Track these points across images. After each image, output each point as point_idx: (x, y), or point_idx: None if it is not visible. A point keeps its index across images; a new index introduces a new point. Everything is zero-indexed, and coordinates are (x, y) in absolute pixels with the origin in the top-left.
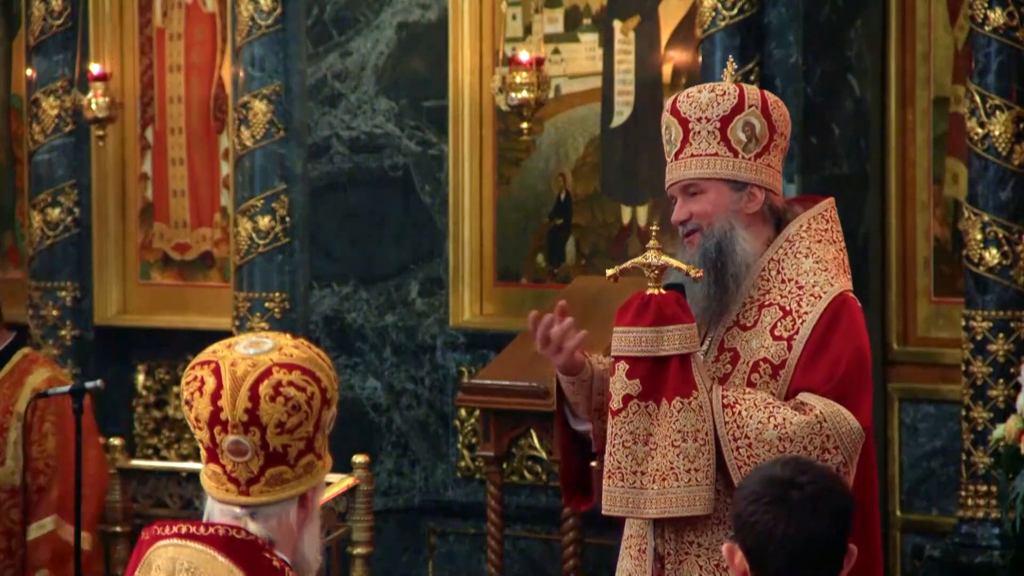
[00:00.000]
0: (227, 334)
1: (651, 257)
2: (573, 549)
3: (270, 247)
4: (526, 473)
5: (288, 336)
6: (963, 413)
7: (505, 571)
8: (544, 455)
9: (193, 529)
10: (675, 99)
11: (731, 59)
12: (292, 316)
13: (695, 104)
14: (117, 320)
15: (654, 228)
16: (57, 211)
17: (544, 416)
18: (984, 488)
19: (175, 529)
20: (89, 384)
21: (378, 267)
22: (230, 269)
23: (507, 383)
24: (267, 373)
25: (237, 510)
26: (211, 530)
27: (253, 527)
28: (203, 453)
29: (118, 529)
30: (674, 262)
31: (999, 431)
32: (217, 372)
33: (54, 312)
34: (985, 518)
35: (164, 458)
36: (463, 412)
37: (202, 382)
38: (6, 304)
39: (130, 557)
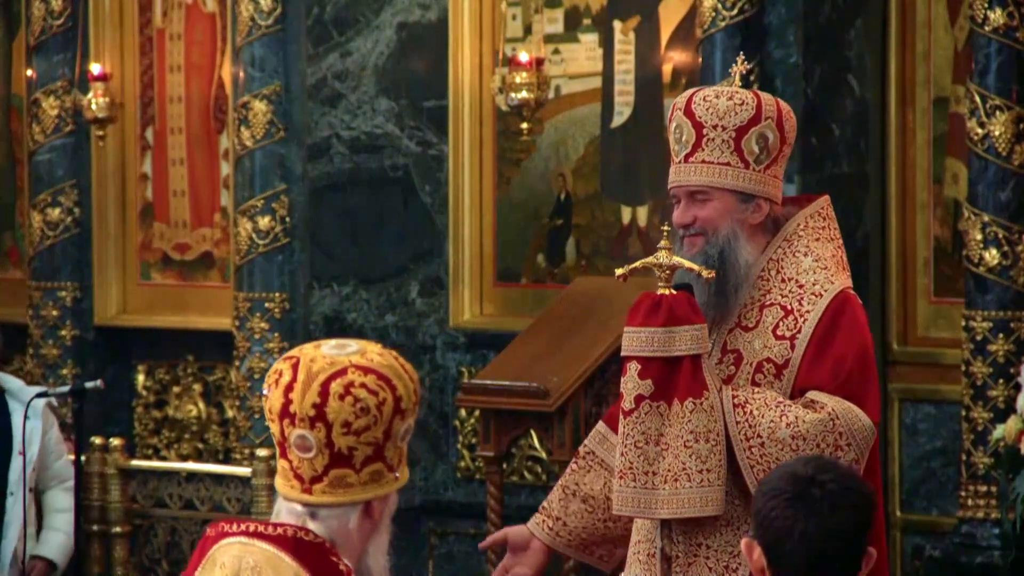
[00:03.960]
0: (227, 334)
1: (662, 257)
2: None
3: (270, 247)
4: (526, 473)
5: (379, 345)
6: (963, 413)
7: None
8: (544, 455)
9: (261, 528)
10: (690, 99)
11: (741, 56)
12: (292, 316)
13: (712, 110)
14: (117, 320)
15: (665, 228)
16: (57, 211)
17: (544, 416)
18: (984, 488)
19: (242, 527)
20: (89, 384)
21: (378, 267)
22: (230, 269)
23: (507, 383)
24: (341, 372)
25: (299, 508)
26: (279, 530)
27: (312, 526)
28: (276, 449)
29: (118, 529)
30: (686, 263)
31: (999, 431)
32: (295, 367)
33: (54, 312)
34: (985, 518)
35: (164, 458)
36: (463, 412)
37: (280, 375)
38: (7, 304)
39: (193, 553)
